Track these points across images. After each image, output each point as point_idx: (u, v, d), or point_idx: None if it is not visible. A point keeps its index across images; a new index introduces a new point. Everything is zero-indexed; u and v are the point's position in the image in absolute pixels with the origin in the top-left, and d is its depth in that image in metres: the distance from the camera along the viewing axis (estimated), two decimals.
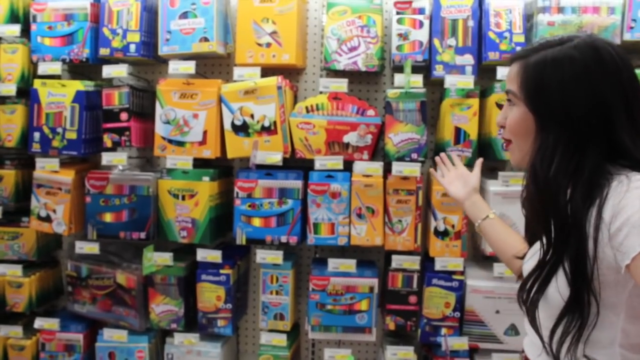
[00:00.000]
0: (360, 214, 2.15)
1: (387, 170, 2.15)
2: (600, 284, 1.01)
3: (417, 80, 2.12)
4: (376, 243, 2.14)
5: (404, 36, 2.19)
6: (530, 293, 1.10)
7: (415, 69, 2.14)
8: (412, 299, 2.19)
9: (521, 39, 2.10)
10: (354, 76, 2.30)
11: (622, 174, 1.01)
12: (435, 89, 2.33)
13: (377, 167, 2.13)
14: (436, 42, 2.16)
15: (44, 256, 2.48)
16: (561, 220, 1.04)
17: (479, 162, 1.80)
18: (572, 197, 1.03)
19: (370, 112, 2.18)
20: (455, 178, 1.77)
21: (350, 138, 2.18)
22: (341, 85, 2.14)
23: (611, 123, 1.03)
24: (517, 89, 1.12)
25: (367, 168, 2.14)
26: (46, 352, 2.39)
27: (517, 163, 1.20)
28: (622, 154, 1.03)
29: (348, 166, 2.17)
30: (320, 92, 2.26)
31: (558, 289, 1.05)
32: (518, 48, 2.06)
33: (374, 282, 2.19)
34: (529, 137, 1.12)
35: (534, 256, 1.16)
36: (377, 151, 2.25)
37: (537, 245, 1.16)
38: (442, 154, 1.90)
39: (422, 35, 2.18)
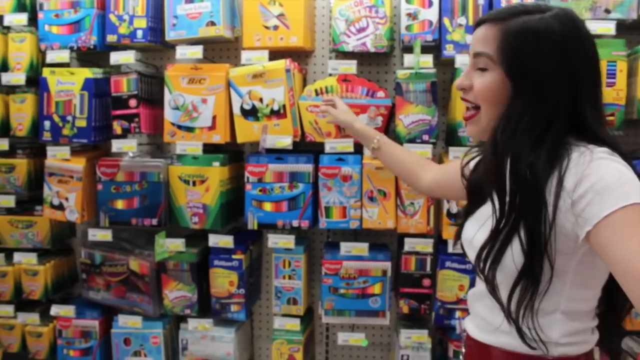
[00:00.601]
0: (372, 197, 2.13)
1: None
2: (555, 251, 1.02)
3: (427, 60, 2.08)
4: (388, 226, 2.12)
5: (413, 16, 2.15)
6: (486, 263, 1.08)
7: (425, 49, 2.10)
8: (426, 282, 2.17)
9: None
10: (363, 57, 2.27)
11: (581, 146, 1.01)
12: (446, 69, 2.29)
13: None
14: (446, 21, 2.12)
15: (58, 244, 2.50)
16: (520, 188, 1.03)
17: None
18: (533, 165, 1.02)
19: (380, 93, 2.15)
20: (341, 110, 1.98)
21: (361, 120, 2.15)
22: (350, 66, 2.11)
23: (579, 96, 1.04)
24: (495, 54, 1.08)
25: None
26: (63, 338, 2.41)
27: (478, 133, 1.17)
28: (582, 128, 1.04)
29: (358, 149, 2.14)
30: (329, 75, 2.23)
31: (513, 258, 1.05)
32: None
33: (387, 265, 2.18)
34: (500, 105, 1.09)
35: (482, 227, 1.13)
36: (387, 133, 2.21)
37: (483, 215, 1.14)
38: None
39: (431, 14, 2.13)
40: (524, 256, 1.03)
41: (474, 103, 1.15)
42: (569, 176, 0.98)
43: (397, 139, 2.09)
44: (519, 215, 1.03)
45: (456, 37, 2.12)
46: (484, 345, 1.18)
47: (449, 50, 2.12)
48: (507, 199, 1.05)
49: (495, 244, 1.07)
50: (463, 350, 1.28)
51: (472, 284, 1.33)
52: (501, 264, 1.06)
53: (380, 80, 2.35)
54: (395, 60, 2.36)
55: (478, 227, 1.15)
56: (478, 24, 1.14)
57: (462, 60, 2.07)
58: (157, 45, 2.29)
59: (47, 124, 2.28)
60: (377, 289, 2.19)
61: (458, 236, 1.27)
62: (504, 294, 1.08)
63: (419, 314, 2.22)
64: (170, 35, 2.19)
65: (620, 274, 0.91)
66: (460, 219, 1.33)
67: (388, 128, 2.19)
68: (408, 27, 2.14)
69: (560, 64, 1.03)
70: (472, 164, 1.30)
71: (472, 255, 1.16)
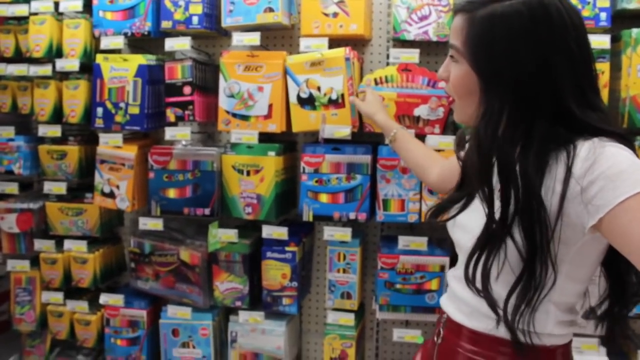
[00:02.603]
0: (432, 190, 2.06)
1: None
2: (558, 244, 0.98)
3: None
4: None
5: None
6: (475, 271, 1.04)
7: None
8: None
9: None
10: (423, 47, 2.19)
11: (586, 137, 0.96)
12: None
13: (450, 141, 2.03)
14: None
15: (106, 232, 2.48)
16: (512, 194, 0.98)
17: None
18: (523, 168, 0.97)
19: (442, 83, 2.08)
20: (368, 101, 1.95)
21: (421, 111, 2.08)
22: (412, 55, 2.04)
23: (558, 87, 0.97)
24: (461, 45, 1.04)
25: (440, 142, 2.04)
26: (111, 327, 2.39)
27: (458, 120, 1.15)
28: (569, 121, 0.99)
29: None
30: (388, 64, 2.18)
31: (509, 260, 1.01)
32: None
33: (445, 260, 2.11)
34: (472, 98, 1.05)
35: (469, 233, 1.08)
36: (447, 125, 2.15)
37: (472, 220, 1.09)
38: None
39: None
40: (525, 256, 0.98)
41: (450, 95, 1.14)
42: (577, 162, 0.93)
43: (458, 130, 2.02)
44: (512, 218, 0.98)
45: None
46: (468, 330, 1.13)
47: None
48: (500, 206, 0.99)
49: (486, 249, 1.02)
50: (441, 331, 1.22)
51: (452, 263, 1.28)
52: (493, 269, 1.02)
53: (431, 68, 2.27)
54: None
55: (475, 213, 1.09)
56: (454, 13, 1.10)
57: None
58: (211, 32, 2.25)
59: (99, 110, 2.26)
60: (434, 284, 2.12)
61: (436, 214, 1.23)
62: (497, 295, 1.04)
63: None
64: (226, 21, 2.14)
65: None
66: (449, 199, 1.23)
67: (448, 119, 2.12)
68: None
69: (529, 51, 0.97)
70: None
71: (460, 237, 1.15)
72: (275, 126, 2.13)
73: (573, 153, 0.94)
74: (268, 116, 2.13)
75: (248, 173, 2.15)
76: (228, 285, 2.25)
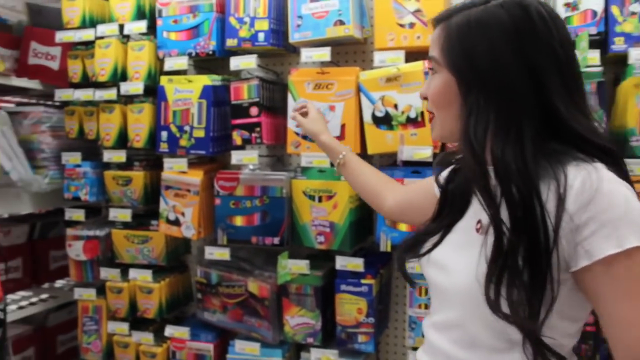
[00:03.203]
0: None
1: None
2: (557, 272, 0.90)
3: (594, 57, 1.77)
4: None
5: (572, 6, 1.84)
6: (498, 297, 0.92)
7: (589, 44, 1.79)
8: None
9: None
10: None
11: (578, 158, 0.91)
12: (607, 68, 1.95)
13: None
14: (615, 9, 1.80)
15: (173, 261, 2.38)
16: (513, 189, 0.90)
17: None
18: (519, 165, 0.90)
19: None
20: (310, 118, 1.76)
21: None
22: None
23: (544, 89, 0.92)
24: (439, 54, 1.00)
25: None
26: None
27: (437, 137, 1.09)
28: (558, 125, 0.93)
29: None
30: None
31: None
32: None
33: None
34: (450, 108, 1.00)
35: (465, 252, 0.99)
36: None
37: (454, 261, 1.01)
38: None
39: (595, 3, 1.81)
40: (527, 282, 0.90)
41: (430, 111, 1.08)
42: (571, 194, 0.87)
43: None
44: (519, 234, 0.90)
45: (628, 28, 1.80)
46: None
47: (618, 44, 1.80)
48: (508, 209, 0.91)
49: (500, 268, 0.92)
50: None
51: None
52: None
53: None
54: None
55: (458, 251, 1.02)
56: (434, 26, 1.05)
57: (637, 55, 1.75)
58: (278, 49, 2.11)
59: (164, 134, 2.17)
60: None
61: (409, 249, 1.14)
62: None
63: (578, 354, 1.88)
64: (294, 37, 2.01)
65: (611, 335, 0.88)
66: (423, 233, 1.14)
67: None
68: (567, 20, 1.83)
69: (511, 55, 0.92)
70: (444, 173, 1.19)
71: (438, 278, 1.05)
72: (348, 148, 1.96)
73: (565, 182, 0.88)
74: (341, 137, 1.97)
75: (320, 199, 1.99)
76: (299, 319, 2.09)
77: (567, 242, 0.88)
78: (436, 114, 1.06)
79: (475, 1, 0.98)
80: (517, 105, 0.93)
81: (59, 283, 2.88)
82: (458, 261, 1.00)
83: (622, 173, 0.92)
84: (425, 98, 1.07)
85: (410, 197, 1.39)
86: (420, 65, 1.87)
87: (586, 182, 0.87)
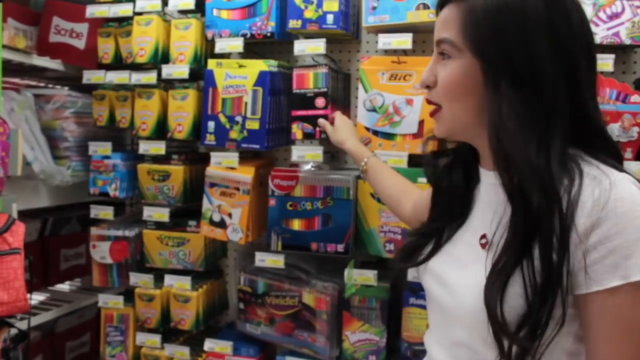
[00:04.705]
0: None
1: None
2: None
3: None
4: None
5: None
6: (496, 304, 0.84)
7: None
8: None
9: None
10: (606, 52, 1.80)
11: (592, 164, 0.84)
12: None
13: None
14: None
15: (210, 266, 2.14)
16: (533, 209, 0.81)
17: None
18: (546, 182, 0.81)
19: (635, 97, 1.68)
20: (336, 127, 1.72)
21: (611, 131, 1.69)
22: (607, 62, 1.65)
23: (578, 84, 0.85)
24: (459, 37, 0.88)
25: (639, 170, 1.64)
26: None
27: (443, 133, 0.98)
28: (585, 123, 0.87)
29: None
30: None
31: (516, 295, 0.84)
32: None
33: None
34: (469, 99, 0.89)
35: (470, 267, 0.92)
36: None
37: (457, 277, 0.93)
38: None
39: None
40: (531, 293, 0.81)
41: (436, 102, 0.96)
42: (583, 210, 0.79)
43: None
44: (531, 236, 0.82)
45: None
46: None
47: None
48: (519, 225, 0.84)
49: (500, 274, 0.84)
50: None
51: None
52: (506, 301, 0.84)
53: (627, 80, 1.87)
54: (637, 56, 1.88)
55: (462, 268, 0.93)
56: (440, 6, 0.94)
57: None
58: (345, 34, 1.89)
59: (211, 125, 1.92)
60: None
61: (406, 257, 1.07)
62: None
63: None
64: (368, 20, 1.79)
65: None
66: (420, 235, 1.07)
67: None
68: None
69: (547, 44, 0.84)
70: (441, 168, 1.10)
71: (440, 295, 0.97)
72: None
73: (577, 191, 0.81)
74: (418, 135, 1.77)
75: None
76: (361, 335, 1.88)
77: (574, 264, 0.81)
78: (446, 105, 0.93)
79: None
80: (549, 99, 0.84)
81: (71, 285, 2.61)
82: (462, 279, 0.92)
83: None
84: (427, 87, 0.96)
85: (422, 202, 1.27)
86: None
87: (592, 185, 0.81)
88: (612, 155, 0.88)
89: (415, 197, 1.37)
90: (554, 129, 0.84)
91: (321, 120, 1.77)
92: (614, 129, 1.69)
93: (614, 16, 1.70)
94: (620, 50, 1.80)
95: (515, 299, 0.83)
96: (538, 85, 0.84)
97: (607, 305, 0.79)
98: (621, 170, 0.85)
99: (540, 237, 0.82)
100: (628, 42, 1.69)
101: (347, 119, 1.77)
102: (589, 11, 1.70)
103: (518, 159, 0.83)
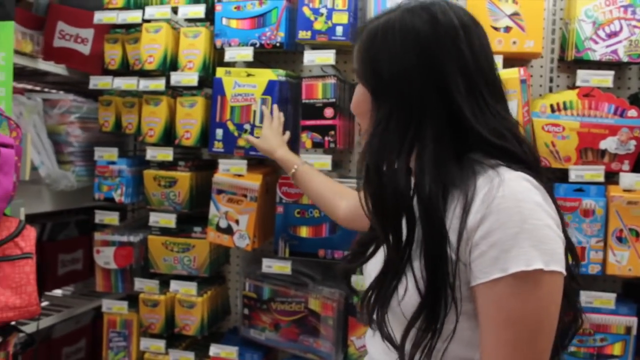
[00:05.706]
0: (622, 238, 1.74)
1: None
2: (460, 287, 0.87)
3: None
4: None
5: None
6: (374, 306, 0.95)
7: None
8: None
9: None
10: (603, 68, 1.88)
11: (487, 166, 0.88)
12: None
13: None
14: None
15: (214, 272, 2.16)
16: (405, 211, 0.91)
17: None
18: (420, 182, 0.89)
19: (632, 112, 1.77)
20: (264, 137, 1.79)
21: (609, 144, 1.77)
22: (606, 78, 1.74)
23: (447, 91, 0.90)
24: (355, 65, 1.02)
25: (637, 182, 1.72)
26: None
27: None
28: (464, 129, 0.90)
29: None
30: (551, 87, 1.88)
31: (406, 296, 0.90)
32: None
33: (633, 321, 1.78)
34: (367, 118, 0.99)
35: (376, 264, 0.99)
36: (638, 161, 1.82)
37: (374, 267, 1.01)
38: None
39: None
40: (424, 292, 0.87)
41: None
42: (474, 209, 0.84)
43: None
44: (410, 244, 0.91)
45: None
46: None
47: None
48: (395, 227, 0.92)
49: (385, 281, 0.93)
50: None
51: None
52: (391, 306, 0.93)
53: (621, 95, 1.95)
54: (631, 73, 1.97)
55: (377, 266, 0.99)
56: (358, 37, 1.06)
57: None
58: (351, 45, 1.94)
59: (219, 132, 1.95)
60: (617, 349, 1.79)
61: (351, 262, 1.13)
62: (398, 336, 0.92)
63: None
64: None
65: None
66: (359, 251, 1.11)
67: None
68: None
69: (414, 58, 0.91)
70: None
71: None
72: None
73: (473, 191, 0.85)
74: None
75: None
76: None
77: (467, 257, 0.85)
78: (361, 123, 1.05)
79: (390, 9, 0.98)
80: (417, 106, 0.91)
81: (65, 290, 2.59)
82: (374, 268, 1.00)
83: (541, 180, 0.88)
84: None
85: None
86: (515, 73, 1.74)
87: (486, 186, 0.85)
88: (513, 158, 0.90)
89: (351, 198, 1.46)
90: (423, 130, 0.90)
91: (245, 136, 1.86)
92: (612, 142, 1.77)
93: (613, 34, 1.79)
94: (616, 67, 1.88)
95: (409, 296, 0.89)
96: (407, 99, 0.92)
97: (490, 297, 0.82)
98: (521, 170, 0.87)
99: (408, 241, 0.90)
100: (626, 59, 1.78)
101: (276, 125, 1.81)
102: (588, 29, 1.78)
103: (371, 169, 0.93)
